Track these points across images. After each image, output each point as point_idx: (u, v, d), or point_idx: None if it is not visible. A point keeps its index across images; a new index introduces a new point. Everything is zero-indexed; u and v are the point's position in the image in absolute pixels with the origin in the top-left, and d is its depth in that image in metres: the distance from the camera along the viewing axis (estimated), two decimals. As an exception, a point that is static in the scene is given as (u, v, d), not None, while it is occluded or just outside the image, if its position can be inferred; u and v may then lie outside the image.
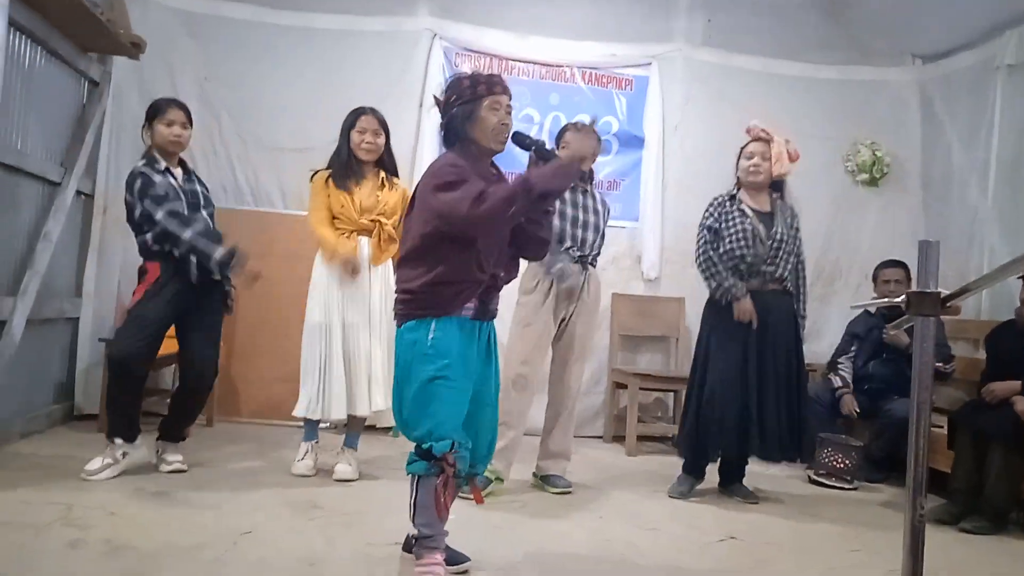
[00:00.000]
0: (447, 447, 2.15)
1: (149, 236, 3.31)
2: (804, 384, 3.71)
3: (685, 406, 3.76)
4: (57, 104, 4.01)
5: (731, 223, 3.61)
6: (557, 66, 5.27)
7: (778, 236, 3.60)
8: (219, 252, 3.22)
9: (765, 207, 3.68)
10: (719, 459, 3.72)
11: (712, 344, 3.63)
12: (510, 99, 2.38)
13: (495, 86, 2.35)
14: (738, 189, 3.74)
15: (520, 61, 5.23)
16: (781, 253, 3.60)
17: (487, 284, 2.31)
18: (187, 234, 3.22)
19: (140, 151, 3.55)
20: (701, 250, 3.65)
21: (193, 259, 3.29)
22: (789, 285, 3.68)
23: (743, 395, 3.51)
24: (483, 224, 2.18)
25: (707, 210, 3.72)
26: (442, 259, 2.24)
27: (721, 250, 3.61)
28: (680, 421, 3.85)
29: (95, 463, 3.18)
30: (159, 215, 3.23)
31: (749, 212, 3.62)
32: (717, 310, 3.65)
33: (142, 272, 3.38)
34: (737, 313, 3.53)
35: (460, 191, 2.17)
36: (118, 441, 3.25)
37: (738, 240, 3.58)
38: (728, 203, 3.68)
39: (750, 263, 3.58)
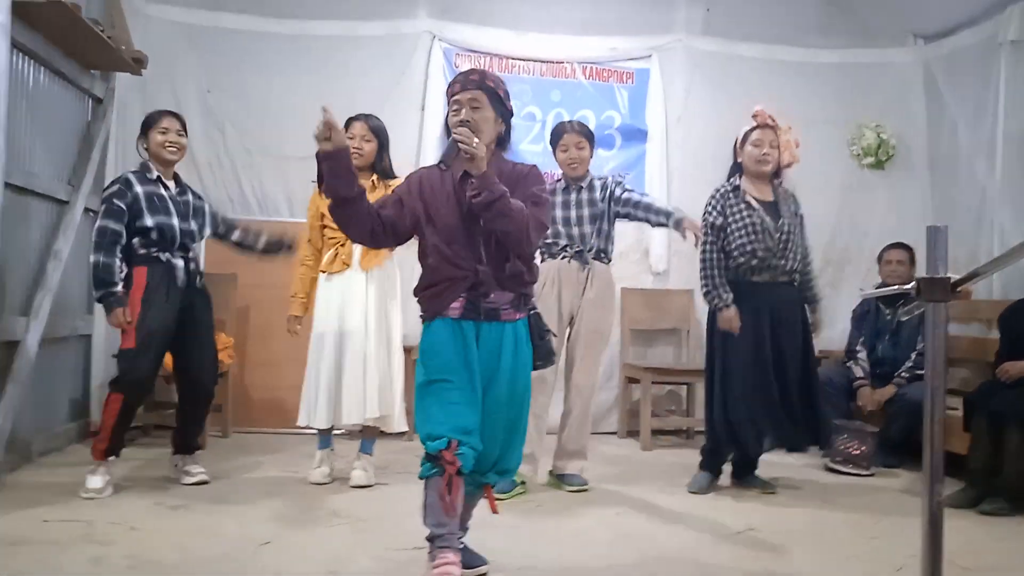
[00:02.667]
0: (442, 445, 2.15)
1: (136, 240, 3.33)
2: (816, 375, 3.69)
3: (707, 411, 3.66)
4: (62, 123, 4.05)
5: (738, 216, 3.54)
6: (557, 62, 5.26)
7: (785, 228, 3.55)
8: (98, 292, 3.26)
9: (768, 196, 3.61)
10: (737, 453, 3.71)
11: (725, 342, 3.56)
12: (476, 88, 2.31)
13: (453, 85, 2.37)
14: (739, 177, 3.66)
15: (520, 59, 5.23)
16: (790, 245, 3.55)
17: (473, 280, 2.27)
18: (92, 257, 3.25)
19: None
20: (705, 249, 3.56)
21: (180, 263, 3.35)
22: (798, 278, 3.65)
23: (763, 390, 3.48)
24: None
25: (709, 204, 3.62)
26: (424, 258, 2.35)
27: (732, 246, 3.53)
28: (706, 425, 3.71)
29: (97, 482, 3.18)
30: (97, 223, 3.29)
31: (755, 204, 3.56)
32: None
33: (127, 281, 3.32)
34: (720, 322, 3.53)
35: None
36: (112, 458, 3.30)
37: (748, 234, 3.51)
38: (732, 195, 3.59)
39: (761, 257, 3.52)
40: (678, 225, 3.55)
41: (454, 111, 2.32)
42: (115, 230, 3.26)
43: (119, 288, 3.25)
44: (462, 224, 2.29)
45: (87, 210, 4.20)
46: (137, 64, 4.14)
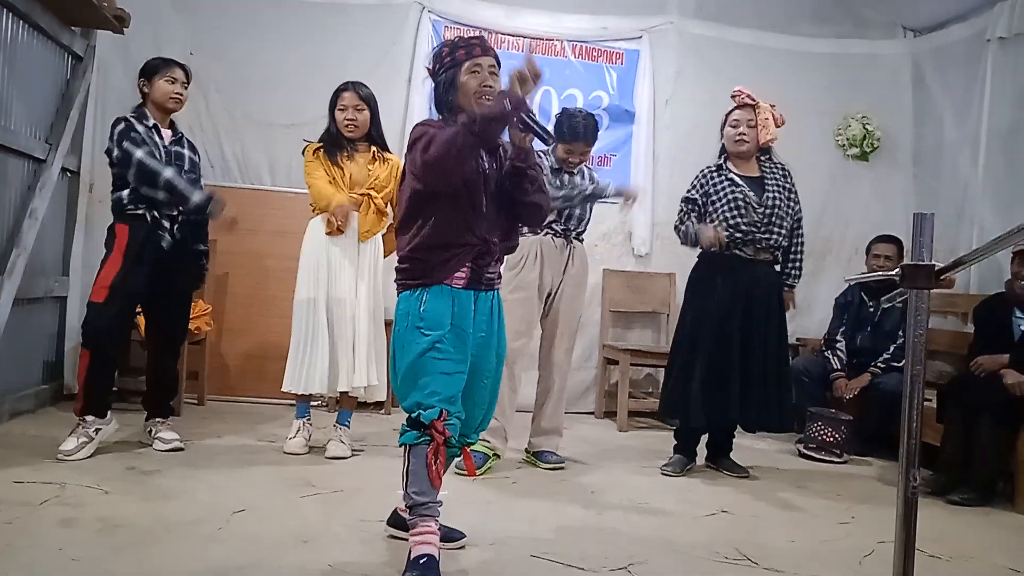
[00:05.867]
0: (435, 415, 2.16)
1: (125, 193, 3.27)
2: (787, 358, 3.71)
3: (667, 375, 3.76)
4: (41, 80, 3.95)
5: (721, 192, 3.57)
6: (547, 40, 5.22)
7: (770, 202, 3.55)
8: (198, 195, 3.23)
9: (754, 172, 3.63)
10: (707, 433, 3.74)
11: (695, 315, 3.60)
12: (494, 58, 2.34)
13: (473, 48, 2.32)
14: (725, 158, 3.69)
15: (510, 35, 5.17)
16: (774, 219, 3.56)
17: (480, 249, 2.27)
18: (167, 172, 3.21)
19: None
20: (678, 220, 3.67)
21: (167, 223, 3.27)
22: (779, 255, 3.65)
23: (726, 366, 3.49)
24: (437, 168, 2.13)
25: (692, 182, 3.69)
26: (429, 220, 2.24)
27: (716, 220, 3.55)
28: (663, 391, 3.83)
29: (70, 443, 3.14)
30: (138, 154, 3.20)
31: (739, 180, 3.58)
32: (699, 282, 3.65)
33: (110, 235, 3.31)
34: (703, 242, 3.50)
35: (420, 144, 2.17)
36: (90, 418, 3.22)
37: (730, 208, 3.53)
38: (715, 174, 3.63)
39: (744, 231, 3.53)
40: (618, 194, 3.79)
41: (473, 72, 2.28)
42: (153, 151, 3.25)
43: (203, 188, 3.26)
44: (485, 192, 2.28)
45: (64, 170, 4.12)
46: (119, 22, 4.04)
